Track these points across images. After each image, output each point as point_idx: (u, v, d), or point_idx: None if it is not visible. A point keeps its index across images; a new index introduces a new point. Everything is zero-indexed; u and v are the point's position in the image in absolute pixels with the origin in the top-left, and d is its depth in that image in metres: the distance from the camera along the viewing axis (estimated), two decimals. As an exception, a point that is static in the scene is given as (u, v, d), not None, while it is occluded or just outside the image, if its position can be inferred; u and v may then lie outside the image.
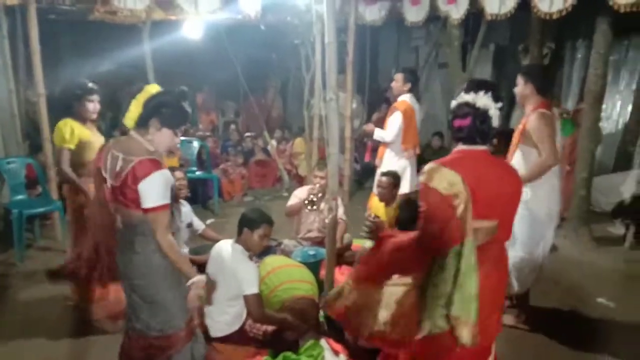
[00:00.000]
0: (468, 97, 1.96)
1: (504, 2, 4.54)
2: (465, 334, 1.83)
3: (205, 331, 2.93)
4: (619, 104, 7.06)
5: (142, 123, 2.22)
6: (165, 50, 6.87)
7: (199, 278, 2.32)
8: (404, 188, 4.49)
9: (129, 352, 2.41)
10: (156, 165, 2.15)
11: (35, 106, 4.90)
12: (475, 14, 5.32)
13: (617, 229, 5.43)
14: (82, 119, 3.41)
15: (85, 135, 3.38)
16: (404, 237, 2.07)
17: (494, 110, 1.94)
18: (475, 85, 1.98)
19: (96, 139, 3.43)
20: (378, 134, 4.59)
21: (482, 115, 1.93)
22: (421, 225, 1.90)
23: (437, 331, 1.89)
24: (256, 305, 2.84)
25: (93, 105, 3.41)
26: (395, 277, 2.17)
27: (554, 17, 4.26)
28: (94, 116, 3.46)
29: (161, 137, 2.24)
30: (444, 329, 1.88)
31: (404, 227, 2.94)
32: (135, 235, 2.24)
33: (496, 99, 1.94)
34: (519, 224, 3.11)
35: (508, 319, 3.44)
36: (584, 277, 4.40)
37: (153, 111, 2.21)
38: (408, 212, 3.24)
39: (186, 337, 2.39)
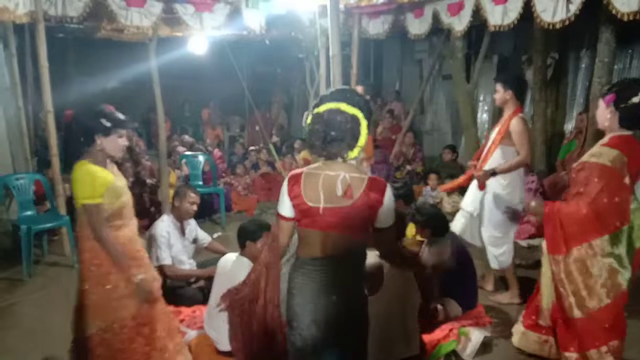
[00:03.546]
0: None
1: (506, 13, 4.56)
2: None
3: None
4: (624, 112, 7.04)
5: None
6: (172, 67, 6.95)
7: None
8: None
9: None
10: None
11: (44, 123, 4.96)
12: (478, 25, 5.35)
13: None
14: (102, 159, 2.51)
15: (110, 180, 2.49)
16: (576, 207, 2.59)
17: None
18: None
19: (121, 182, 2.59)
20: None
21: None
22: (603, 196, 2.48)
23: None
24: None
25: (122, 142, 2.57)
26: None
27: (557, 27, 4.27)
28: (120, 155, 2.62)
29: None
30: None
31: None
32: None
33: None
34: (494, 205, 3.63)
35: (503, 298, 3.85)
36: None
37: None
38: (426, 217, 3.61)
39: None
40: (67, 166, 2.75)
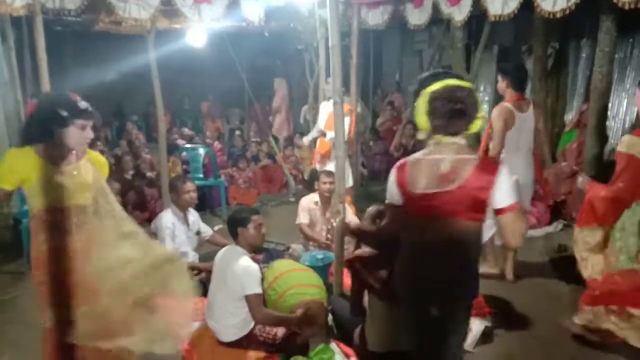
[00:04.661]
0: None
1: (507, 3, 4.52)
2: None
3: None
4: (625, 102, 7.01)
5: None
6: (170, 59, 6.93)
7: None
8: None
9: None
10: None
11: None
12: (478, 15, 5.31)
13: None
14: (61, 152, 2.32)
15: (30, 174, 2.25)
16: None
17: None
18: None
19: (76, 180, 2.33)
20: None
21: None
22: (619, 181, 2.67)
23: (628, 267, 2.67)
24: (256, 305, 2.84)
25: (86, 134, 2.34)
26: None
27: (558, 16, 4.24)
28: (83, 148, 2.40)
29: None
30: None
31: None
32: None
33: None
34: None
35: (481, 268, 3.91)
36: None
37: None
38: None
39: None
40: None
